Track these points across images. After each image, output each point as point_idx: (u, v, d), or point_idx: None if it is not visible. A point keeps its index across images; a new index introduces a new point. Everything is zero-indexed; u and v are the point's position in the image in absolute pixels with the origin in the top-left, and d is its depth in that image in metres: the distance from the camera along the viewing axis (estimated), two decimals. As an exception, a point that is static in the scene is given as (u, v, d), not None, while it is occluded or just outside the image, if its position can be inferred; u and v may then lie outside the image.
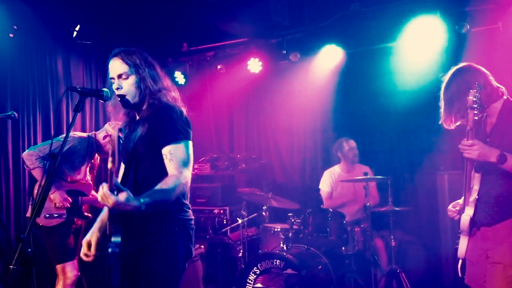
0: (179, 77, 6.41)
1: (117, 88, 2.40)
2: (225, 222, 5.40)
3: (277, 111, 6.37)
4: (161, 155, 2.29)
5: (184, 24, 5.93)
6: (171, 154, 2.26)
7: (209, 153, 6.30)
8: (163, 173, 2.26)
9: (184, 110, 2.46)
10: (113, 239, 2.21)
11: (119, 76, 2.41)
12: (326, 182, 5.34)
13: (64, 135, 4.13)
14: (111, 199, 1.98)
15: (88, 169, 4.04)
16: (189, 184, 2.28)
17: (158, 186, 2.16)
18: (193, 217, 2.46)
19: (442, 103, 2.69)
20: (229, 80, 6.40)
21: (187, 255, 2.39)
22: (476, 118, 2.43)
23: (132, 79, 2.40)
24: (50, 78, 5.45)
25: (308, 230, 4.58)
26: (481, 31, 4.99)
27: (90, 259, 2.39)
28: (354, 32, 5.55)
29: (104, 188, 1.99)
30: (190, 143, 2.36)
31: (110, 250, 2.18)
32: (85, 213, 3.96)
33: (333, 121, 5.96)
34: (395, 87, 5.38)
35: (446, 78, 2.69)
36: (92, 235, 2.43)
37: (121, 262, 2.20)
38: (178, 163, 2.25)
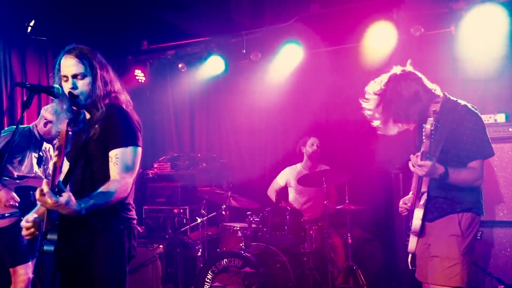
0: (139, 75, 6.35)
1: (72, 88, 2.38)
2: (184, 222, 5.40)
3: (238, 110, 6.40)
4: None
5: (145, 22, 5.87)
6: (116, 158, 2.28)
7: (170, 152, 6.28)
8: (109, 175, 2.28)
9: (135, 114, 2.47)
10: (49, 236, 2.15)
11: (74, 76, 2.39)
12: (283, 178, 5.45)
13: (8, 128, 4.03)
14: (51, 200, 1.95)
15: (35, 162, 3.88)
16: (129, 190, 2.31)
17: (99, 190, 2.17)
18: (136, 217, 2.49)
19: (374, 104, 2.74)
20: (190, 79, 6.39)
21: (132, 254, 2.41)
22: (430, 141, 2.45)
23: (87, 80, 2.39)
24: (4, 74, 5.30)
25: (267, 229, 4.63)
26: (434, 34, 5.18)
27: (29, 232, 2.29)
28: (313, 32, 5.65)
29: (45, 187, 1.96)
30: (139, 149, 2.37)
31: (44, 247, 2.12)
32: None
33: (294, 121, 6.03)
34: (353, 86, 5.47)
35: (383, 80, 2.73)
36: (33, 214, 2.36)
37: (59, 260, 2.17)
38: (121, 168, 2.28)
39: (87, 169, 2.35)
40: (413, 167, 2.47)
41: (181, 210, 5.45)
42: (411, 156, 2.49)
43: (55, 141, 3.58)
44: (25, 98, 5.33)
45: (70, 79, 2.38)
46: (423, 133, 2.49)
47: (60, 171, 2.12)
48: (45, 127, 3.80)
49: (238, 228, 4.81)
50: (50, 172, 3.95)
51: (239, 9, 5.71)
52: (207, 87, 6.42)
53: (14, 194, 3.66)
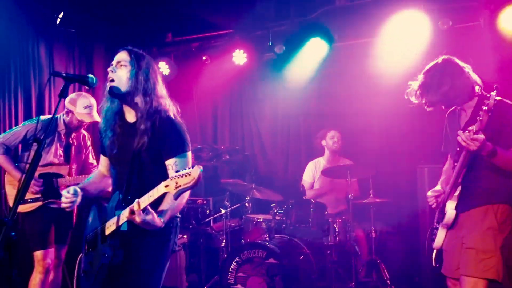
0: (163, 67, 6.38)
1: (111, 71, 2.43)
2: (208, 213, 5.42)
3: (261, 103, 6.40)
4: (164, 164, 2.37)
5: (170, 14, 5.89)
6: (176, 165, 2.34)
7: (193, 144, 6.28)
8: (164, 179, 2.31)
9: (179, 119, 2.50)
10: (112, 242, 2.28)
11: (118, 63, 2.43)
12: (309, 173, 5.41)
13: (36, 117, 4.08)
14: (140, 218, 2.08)
15: (60, 150, 3.90)
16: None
17: (168, 205, 2.25)
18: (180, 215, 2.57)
19: (417, 86, 2.83)
20: (214, 71, 6.40)
21: (174, 249, 2.50)
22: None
23: (128, 69, 2.41)
24: (32, 65, 5.38)
25: (291, 221, 4.63)
26: (463, 28, 5.09)
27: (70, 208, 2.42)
28: (338, 26, 5.61)
29: (136, 205, 2.10)
30: (190, 153, 2.45)
31: (115, 252, 2.25)
32: None
33: (317, 114, 6.00)
34: (377, 80, 5.45)
35: (426, 67, 2.85)
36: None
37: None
38: None
39: (143, 177, 2.40)
40: (465, 142, 2.48)
41: (205, 202, 5.48)
42: (460, 132, 2.52)
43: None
44: (49, 87, 5.50)
45: (114, 65, 2.43)
46: (482, 110, 2.47)
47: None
48: (67, 116, 3.85)
49: (261, 220, 4.83)
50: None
51: (264, 2, 5.69)
52: (231, 79, 6.42)
53: (36, 181, 3.70)
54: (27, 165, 3.64)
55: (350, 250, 4.74)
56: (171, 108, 2.50)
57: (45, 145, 3.78)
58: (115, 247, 2.27)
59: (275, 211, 4.68)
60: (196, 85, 6.73)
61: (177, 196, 2.01)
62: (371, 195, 4.73)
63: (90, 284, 2.35)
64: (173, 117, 2.45)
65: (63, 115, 3.91)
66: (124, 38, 6.12)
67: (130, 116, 2.48)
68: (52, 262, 3.71)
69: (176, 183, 1.99)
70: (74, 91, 5.36)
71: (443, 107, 2.88)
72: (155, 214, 2.13)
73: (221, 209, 4.99)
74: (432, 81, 2.74)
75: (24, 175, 2.11)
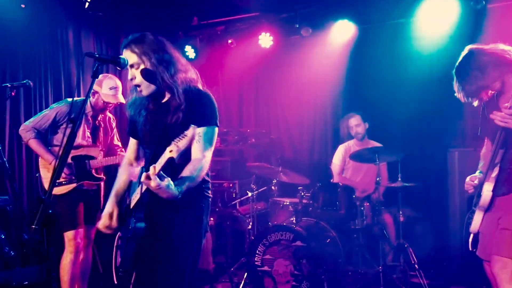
0: (189, 51, 6.40)
1: (131, 79, 2.44)
2: (234, 196, 5.45)
3: (287, 86, 6.37)
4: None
5: (195, -2, 5.90)
6: (199, 135, 2.31)
7: (219, 127, 6.31)
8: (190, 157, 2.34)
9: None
10: (138, 214, 2.30)
11: (131, 66, 2.42)
12: (339, 156, 5.38)
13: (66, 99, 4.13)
14: (155, 182, 2.04)
15: (87, 132, 3.93)
16: (208, 168, 2.36)
17: (189, 173, 2.24)
18: (212, 195, 2.57)
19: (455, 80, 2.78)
20: (239, 55, 6.39)
21: (207, 230, 2.50)
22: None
23: (142, 68, 2.40)
24: (61, 49, 5.47)
25: (318, 204, 4.62)
26: (497, 7, 4.94)
27: (111, 231, 2.49)
28: (366, 7, 5.51)
29: (151, 170, 2.06)
30: (217, 129, 2.42)
31: (136, 225, 2.26)
32: (96, 175, 3.92)
33: (343, 97, 5.95)
34: (406, 63, 5.36)
35: (460, 57, 2.78)
36: (113, 208, 2.53)
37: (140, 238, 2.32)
38: (203, 146, 2.33)
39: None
40: (502, 121, 2.46)
41: (231, 185, 5.52)
42: (495, 112, 2.49)
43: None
44: (77, 71, 5.58)
45: (129, 70, 2.43)
46: None
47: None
48: (93, 97, 3.88)
49: (287, 203, 4.83)
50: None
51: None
52: (256, 62, 6.40)
53: (68, 164, 3.76)
54: (56, 148, 3.76)
55: (378, 234, 4.71)
56: (196, 77, 2.49)
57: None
58: (138, 219, 2.28)
59: (302, 194, 4.68)
60: (222, 68, 6.73)
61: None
62: (400, 179, 4.67)
63: (121, 258, 2.40)
64: (201, 88, 2.45)
65: (89, 96, 3.94)
66: (150, 22, 6.15)
67: (161, 96, 2.50)
68: (82, 242, 3.78)
69: (177, 146, 2.05)
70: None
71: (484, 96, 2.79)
72: (171, 181, 2.10)
73: (247, 192, 5.01)
74: (464, 75, 2.71)
75: (58, 156, 2.14)
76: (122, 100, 3.87)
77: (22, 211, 4.99)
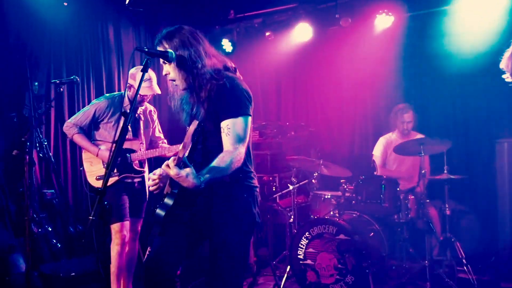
0: (226, 44, 6.41)
1: (165, 74, 2.46)
2: (274, 189, 5.45)
3: (325, 78, 6.31)
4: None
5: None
6: (228, 128, 2.30)
7: (257, 120, 6.33)
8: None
9: (243, 83, 2.45)
10: (166, 200, 2.30)
11: (165, 62, 2.44)
12: (380, 148, 5.30)
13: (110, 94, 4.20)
14: (174, 171, 2.07)
15: (128, 125, 3.97)
16: (242, 160, 2.30)
17: (215, 163, 2.22)
18: (258, 185, 2.53)
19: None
20: (277, 47, 6.36)
21: (258, 221, 2.48)
22: None
23: (173, 64, 2.42)
24: (102, 45, 5.59)
25: (361, 197, 4.57)
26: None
27: (154, 183, 2.41)
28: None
29: (171, 161, 2.10)
30: (250, 118, 2.37)
31: (156, 210, 2.27)
32: (138, 168, 3.97)
33: (385, 87, 5.84)
34: (451, 50, 5.22)
35: None
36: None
37: (181, 226, 2.38)
38: (233, 138, 2.30)
39: (207, 146, 2.42)
40: None
41: (271, 178, 5.51)
42: None
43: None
44: (118, 68, 5.68)
45: (164, 66, 2.46)
46: None
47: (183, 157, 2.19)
48: (129, 91, 3.93)
49: (329, 197, 4.80)
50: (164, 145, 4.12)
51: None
52: (294, 55, 6.36)
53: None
54: (100, 142, 3.84)
55: (423, 228, 4.62)
56: (230, 67, 2.49)
57: (114, 122, 3.91)
58: (162, 206, 2.29)
59: (345, 187, 4.63)
60: (259, 61, 6.72)
61: None
62: (445, 171, 4.56)
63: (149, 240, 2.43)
64: (233, 79, 2.41)
65: (126, 91, 4.02)
66: (187, 17, 6.21)
67: (197, 89, 2.49)
68: (128, 235, 3.85)
69: None
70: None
71: None
72: (193, 171, 2.11)
73: (289, 185, 4.99)
74: None
75: (111, 150, 2.19)
76: (158, 91, 3.92)
77: (68, 204, 5.14)
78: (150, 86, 3.89)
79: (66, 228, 5.09)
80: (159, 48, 2.44)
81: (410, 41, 5.61)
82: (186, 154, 2.35)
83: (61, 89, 3.76)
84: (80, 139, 3.89)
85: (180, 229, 2.43)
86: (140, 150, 3.99)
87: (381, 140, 5.33)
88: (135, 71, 3.92)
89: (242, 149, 2.30)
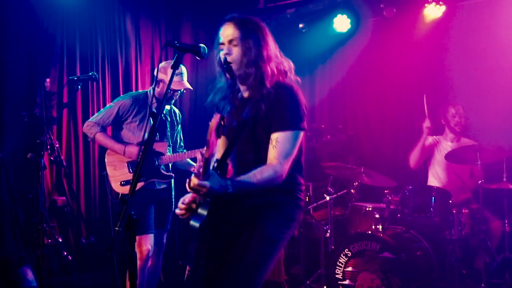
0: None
1: (226, 54, 2.50)
2: (307, 200, 5.46)
3: (366, 75, 6.30)
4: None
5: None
6: (277, 141, 2.39)
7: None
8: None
9: (302, 95, 2.53)
10: (199, 211, 2.36)
11: (230, 42, 2.50)
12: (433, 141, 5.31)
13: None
14: (194, 181, 2.19)
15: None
16: (284, 175, 2.39)
17: (251, 175, 2.32)
18: (304, 198, 2.68)
19: None
20: (311, 41, 6.39)
21: (293, 236, 2.56)
22: None
23: (242, 46, 2.48)
24: (119, 38, 5.71)
25: (408, 210, 4.56)
26: None
27: (182, 212, 2.48)
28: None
29: (194, 179, 2.20)
30: (301, 133, 2.46)
31: (190, 222, 2.32)
32: (166, 173, 4.04)
33: (434, 86, 5.82)
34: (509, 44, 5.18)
35: None
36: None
37: (218, 235, 2.47)
38: (279, 153, 2.38)
39: (257, 153, 2.49)
40: None
41: (304, 187, 5.52)
42: None
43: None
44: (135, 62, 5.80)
45: (226, 45, 2.51)
46: None
47: (210, 162, 2.27)
48: (158, 87, 4.01)
49: (371, 209, 4.80)
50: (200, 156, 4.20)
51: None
52: (331, 49, 6.38)
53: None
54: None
55: (478, 246, 4.59)
56: (294, 80, 2.57)
57: (138, 122, 3.99)
58: (196, 217, 2.33)
59: (390, 198, 4.63)
60: (291, 56, 6.67)
61: None
62: (505, 179, 4.52)
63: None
64: (296, 91, 2.49)
65: (152, 88, 4.10)
66: (211, 8, 6.30)
67: (244, 89, 2.58)
68: (152, 248, 3.89)
69: None
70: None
71: None
72: (216, 179, 2.20)
73: (325, 195, 5.00)
74: None
75: (139, 155, 2.26)
76: (188, 85, 4.01)
77: (80, 212, 5.26)
78: (182, 81, 3.97)
79: (77, 239, 5.22)
80: (229, 25, 2.51)
81: (461, 34, 5.58)
82: (219, 157, 2.43)
83: (79, 87, 3.86)
84: (103, 138, 3.98)
85: (220, 242, 2.52)
86: (167, 153, 4.07)
87: (427, 138, 5.31)
88: (166, 65, 4.00)
89: (286, 166, 2.39)
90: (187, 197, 2.48)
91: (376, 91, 6.27)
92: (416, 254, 4.44)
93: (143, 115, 3.99)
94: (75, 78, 3.93)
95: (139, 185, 3.87)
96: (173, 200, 4.12)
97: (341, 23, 6.05)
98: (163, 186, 4.03)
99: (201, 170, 2.24)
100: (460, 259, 4.62)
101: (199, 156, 4.05)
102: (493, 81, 5.46)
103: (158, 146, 4.00)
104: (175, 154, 4.06)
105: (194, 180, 2.19)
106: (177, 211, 2.49)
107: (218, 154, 2.63)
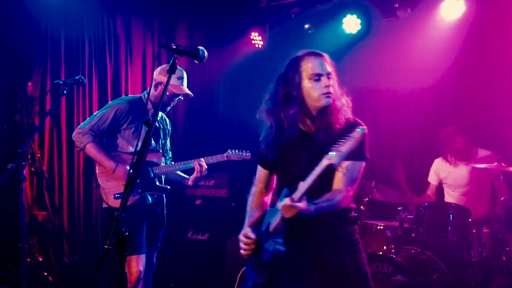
0: (256, 38, 6.47)
1: (328, 86, 2.72)
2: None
3: (377, 80, 6.31)
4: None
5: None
6: (347, 169, 2.64)
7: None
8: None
9: None
10: (276, 238, 2.57)
11: (328, 75, 2.75)
12: (433, 175, 5.42)
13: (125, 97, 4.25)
14: (288, 201, 2.39)
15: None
16: (349, 202, 2.74)
17: (329, 196, 2.59)
18: None
19: None
20: (318, 43, 6.38)
21: None
22: None
23: (334, 81, 2.78)
24: (108, 39, 5.72)
25: (423, 229, 4.55)
26: None
27: (249, 247, 2.72)
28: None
29: (287, 200, 2.40)
30: (364, 164, 2.73)
31: (276, 247, 2.54)
32: (161, 185, 4.02)
33: (451, 92, 5.83)
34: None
35: None
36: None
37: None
38: (348, 180, 2.65)
39: (326, 180, 2.65)
40: None
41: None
42: None
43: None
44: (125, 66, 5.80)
45: (326, 78, 2.75)
46: None
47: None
48: (156, 90, 3.99)
49: (382, 227, 4.78)
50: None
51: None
52: (340, 51, 6.37)
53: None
54: (114, 154, 3.88)
55: (500, 269, 4.57)
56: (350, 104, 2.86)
57: (134, 129, 3.95)
58: (278, 243, 2.54)
59: (403, 216, 4.61)
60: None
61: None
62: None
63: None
64: (357, 119, 2.82)
65: (148, 92, 4.06)
66: (209, 7, 6.31)
67: (308, 124, 2.77)
68: (143, 269, 3.82)
69: (339, 150, 2.34)
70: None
71: None
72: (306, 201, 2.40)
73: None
74: None
75: (132, 165, 2.24)
76: (188, 91, 4.00)
77: (62, 229, 5.23)
78: (181, 86, 3.97)
79: (59, 259, 5.18)
80: (324, 60, 2.82)
81: (483, 35, 5.59)
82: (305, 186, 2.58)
83: (64, 91, 3.84)
84: (94, 150, 3.86)
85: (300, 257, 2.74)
86: (162, 163, 4.06)
87: (436, 162, 5.45)
88: (167, 67, 3.97)
89: (351, 192, 2.70)
90: (248, 232, 2.73)
91: (388, 95, 6.28)
92: (432, 278, 4.41)
93: (139, 122, 3.94)
94: (61, 83, 3.90)
95: (133, 199, 3.82)
96: (165, 215, 4.10)
97: (351, 23, 6.06)
98: (156, 200, 4.01)
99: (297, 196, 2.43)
100: (480, 282, 4.60)
101: (197, 167, 4.06)
102: (504, 87, 5.46)
103: (152, 156, 3.98)
104: (171, 164, 4.05)
105: (288, 201, 2.39)
106: (241, 245, 2.74)
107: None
